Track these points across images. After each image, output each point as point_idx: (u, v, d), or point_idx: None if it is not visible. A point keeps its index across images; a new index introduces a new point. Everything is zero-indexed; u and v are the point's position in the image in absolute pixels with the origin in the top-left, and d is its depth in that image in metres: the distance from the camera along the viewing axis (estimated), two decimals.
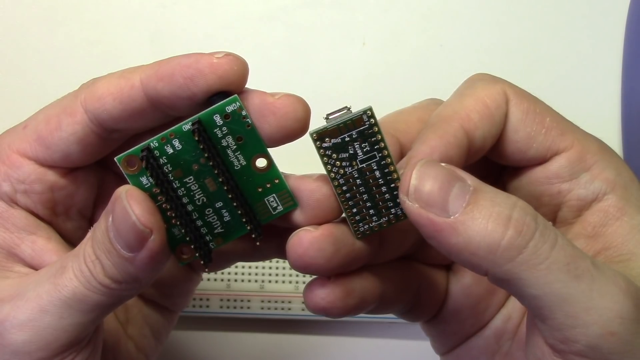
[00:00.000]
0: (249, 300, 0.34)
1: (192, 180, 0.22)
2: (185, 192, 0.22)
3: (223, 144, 0.22)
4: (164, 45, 0.39)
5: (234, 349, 0.36)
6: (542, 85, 0.39)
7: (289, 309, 0.34)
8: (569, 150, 0.23)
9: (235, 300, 0.34)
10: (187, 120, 0.21)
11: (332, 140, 0.21)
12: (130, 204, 0.21)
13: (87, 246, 0.22)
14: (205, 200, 0.22)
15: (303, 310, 0.34)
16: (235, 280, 0.34)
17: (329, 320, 0.34)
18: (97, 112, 0.23)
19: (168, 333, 0.29)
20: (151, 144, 0.22)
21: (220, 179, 0.22)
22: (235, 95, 0.21)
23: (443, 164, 0.21)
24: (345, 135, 0.21)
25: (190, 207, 0.22)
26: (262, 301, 0.34)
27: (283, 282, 0.34)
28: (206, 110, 0.21)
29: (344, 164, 0.22)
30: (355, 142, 0.21)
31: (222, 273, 0.34)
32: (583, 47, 0.39)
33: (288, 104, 0.22)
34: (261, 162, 0.22)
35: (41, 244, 0.24)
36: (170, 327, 0.29)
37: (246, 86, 0.22)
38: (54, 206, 0.25)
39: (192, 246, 0.22)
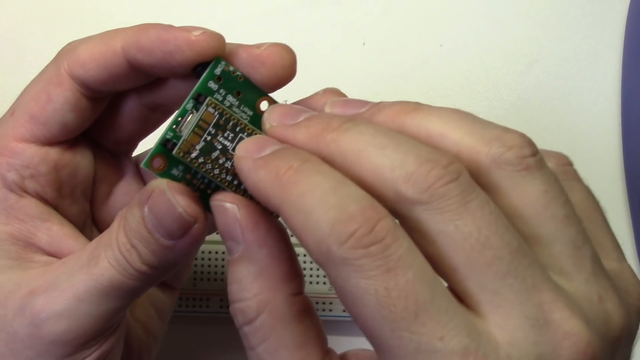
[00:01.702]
0: None
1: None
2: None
3: (227, 105, 0.23)
4: None
5: (234, 349, 0.36)
6: (542, 85, 0.39)
7: None
8: None
9: None
10: (187, 100, 0.22)
11: (198, 147, 0.22)
12: (176, 197, 0.22)
13: (120, 235, 0.23)
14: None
15: None
16: None
17: (329, 320, 0.34)
18: (82, 78, 0.23)
19: (171, 312, 0.30)
20: (166, 136, 0.22)
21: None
22: (217, 56, 0.22)
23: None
24: (205, 135, 0.22)
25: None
26: None
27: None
28: (198, 82, 0.22)
29: (220, 161, 0.22)
30: (217, 136, 0.22)
31: (222, 273, 0.34)
32: (583, 47, 0.39)
33: (275, 53, 0.23)
34: (264, 105, 0.23)
35: (56, 230, 0.25)
36: (173, 306, 0.29)
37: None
38: (60, 187, 0.25)
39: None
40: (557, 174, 0.21)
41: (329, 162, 0.20)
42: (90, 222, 0.27)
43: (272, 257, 0.21)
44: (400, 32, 0.39)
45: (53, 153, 0.24)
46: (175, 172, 0.23)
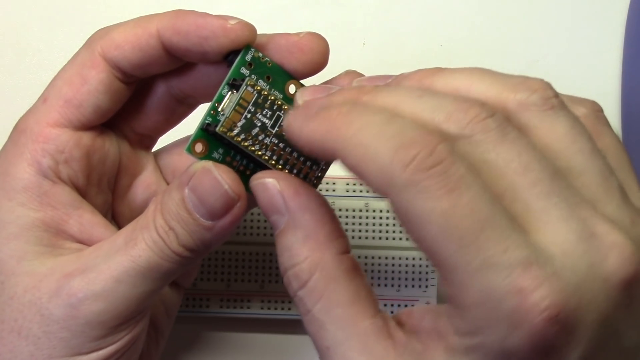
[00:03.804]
0: (249, 300, 0.34)
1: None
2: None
3: (258, 89, 0.24)
4: None
5: (233, 349, 0.36)
6: None
7: (289, 309, 0.34)
8: None
9: (235, 301, 0.34)
10: (223, 85, 0.23)
11: (239, 124, 0.23)
12: (222, 174, 0.23)
13: (158, 217, 0.23)
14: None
15: None
16: (235, 280, 0.34)
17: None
18: (116, 60, 0.24)
19: (177, 310, 0.30)
20: (206, 120, 0.23)
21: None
22: (248, 44, 0.24)
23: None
24: (245, 113, 0.23)
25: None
26: (262, 301, 0.34)
27: (283, 282, 0.34)
28: (232, 68, 0.24)
29: (259, 137, 0.23)
30: (256, 114, 0.23)
31: (222, 273, 0.34)
32: (583, 47, 0.39)
33: (312, 40, 0.24)
34: (292, 89, 0.25)
35: (88, 218, 0.25)
36: (179, 303, 0.30)
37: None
38: (90, 174, 0.25)
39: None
40: (590, 118, 0.22)
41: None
42: (111, 214, 0.27)
43: (316, 220, 0.22)
44: (400, 32, 0.39)
45: (86, 138, 0.25)
46: (215, 155, 0.24)
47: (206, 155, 0.24)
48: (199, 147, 0.23)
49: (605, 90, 0.39)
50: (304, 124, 0.21)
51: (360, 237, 0.34)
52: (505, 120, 0.20)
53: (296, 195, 0.22)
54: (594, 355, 0.19)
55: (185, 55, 0.24)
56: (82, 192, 0.25)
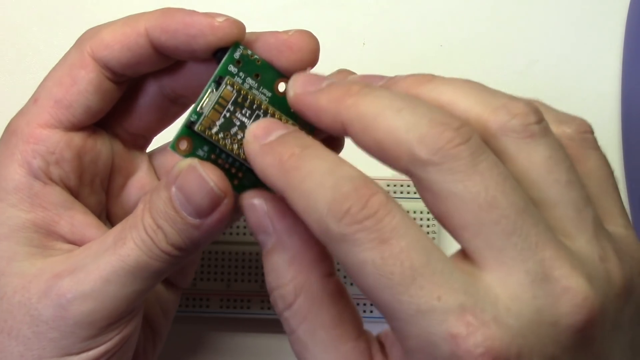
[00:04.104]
0: (249, 300, 0.34)
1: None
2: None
3: (246, 87, 0.24)
4: None
5: (233, 349, 0.36)
6: (542, 85, 0.39)
7: None
8: None
9: (235, 300, 0.34)
10: (209, 83, 0.23)
11: (218, 123, 0.23)
12: (207, 172, 0.23)
13: (146, 216, 0.23)
14: None
15: None
16: (235, 280, 0.34)
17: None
18: (106, 59, 0.24)
19: (175, 311, 0.30)
20: (191, 118, 0.23)
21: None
22: (236, 41, 0.24)
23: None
24: (224, 112, 0.23)
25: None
26: (262, 301, 0.34)
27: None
28: (219, 66, 0.23)
29: (238, 137, 0.23)
30: (235, 113, 0.23)
31: (222, 273, 0.34)
32: (583, 47, 0.39)
33: (301, 39, 0.24)
34: (282, 87, 0.24)
35: (79, 218, 0.25)
36: (177, 305, 0.30)
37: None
38: (81, 175, 0.25)
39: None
40: (576, 140, 0.22)
41: (348, 125, 0.21)
42: (105, 215, 0.27)
43: (302, 241, 0.22)
44: (400, 32, 0.39)
45: (77, 138, 0.25)
46: (200, 152, 0.24)
47: (191, 153, 0.23)
48: (183, 145, 0.23)
49: (605, 90, 0.39)
50: (258, 155, 0.21)
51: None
52: (480, 147, 0.19)
53: (283, 217, 0.22)
54: None
55: (174, 53, 0.24)
56: (74, 192, 0.25)
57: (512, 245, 0.19)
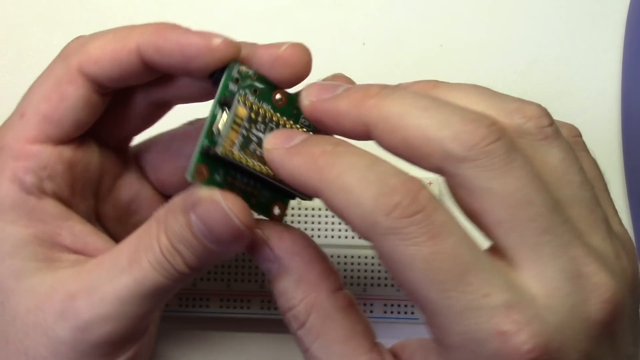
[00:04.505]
0: (249, 301, 0.34)
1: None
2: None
3: (249, 104, 0.23)
4: None
5: (233, 349, 0.36)
6: (542, 85, 0.39)
7: None
8: None
9: (235, 301, 0.34)
10: (213, 106, 0.23)
11: (237, 142, 0.23)
12: (230, 206, 0.22)
13: (162, 238, 0.23)
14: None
15: None
16: (235, 280, 0.34)
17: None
18: (95, 75, 0.24)
19: (160, 314, 0.30)
20: (203, 144, 0.22)
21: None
22: (232, 60, 0.23)
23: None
24: (241, 130, 0.23)
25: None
26: (262, 301, 0.34)
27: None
28: (220, 87, 0.23)
29: (257, 152, 0.23)
30: (251, 130, 0.23)
31: (222, 273, 0.34)
32: (583, 47, 0.39)
33: (295, 53, 0.24)
34: (278, 96, 0.24)
35: (79, 228, 0.25)
36: (162, 308, 0.30)
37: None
38: (73, 185, 0.25)
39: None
40: (569, 143, 0.22)
41: (372, 127, 0.21)
42: (95, 217, 0.27)
43: (305, 262, 0.23)
44: (400, 32, 0.39)
45: (67, 151, 0.25)
46: (217, 177, 0.23)
47: (209, 179, 0.23)
48: (201, 173, 0.23)
49: (605, 90, 0.39)
50: (285, 158, 0.21)
51: (360, 237, 0.34)
52: (512, 145, 0.20)
53: (281, 241, 0.23)
54: None
55: (167, 71, 0.24)
56: (68, 202, 0.25)
57: (546, 243, 0.19)
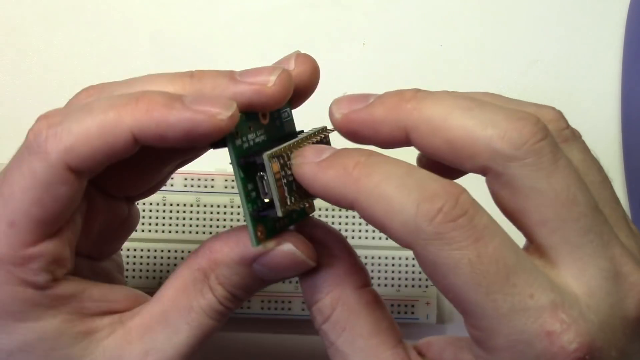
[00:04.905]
0: (249, 301, 0.34)
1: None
2: (299, 194, 0.23)
3: (253, 143, 0.23)
4: (164, 45, 0.39)
5: (233, 349, 0.36)
6: (542, 85, 0.39)
7: (289, 309, 0.34)
8: None
9: None
10: (236, 172, 0.22)
11: (287, 193, 0.22)
12: (304, 251, 0.23)
13: (218, 289, 0.23)
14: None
15: (303, 310, 0.34)
16: None
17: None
18: (86, 168, 0.22)
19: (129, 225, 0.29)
20: (251, 210, 0.22)
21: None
22: (227, 140, 0.22)
23: None
24: (283, 183, 0.22)
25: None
26: (262, 301, 0.34)
27: (283, 282, 0.34)
28: (232, 154, 0.22)
29: (301, 190, 0.23)
30: (287, 175, 0.22)
31: None
32: (583, 47, 0.39)
33: (282, 87, 0.22)
34: (264, 117, 0.23)
35: (96, 291, 0.24)
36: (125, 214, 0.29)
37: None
38: (72, 246, 0.24)
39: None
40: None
41: (412, 131, 0.21)
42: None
43: (334, 257, 0.23)
44: (400, 32, 0.39)
45: (69, 234, 0.23)
46: (270, 226, 0.23)
47: (268, 234, 0.23)
48: (261, 234, 0.23)
49: (605, 90, 0.39)
50: (318, 173, 0.21)
51: (360, 237, 0.34)
52: (557, 144, 0.20)
53: (307, 247, 0.23)
54: None
55: (163, 147, 0.22)
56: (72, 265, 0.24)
57: (588, 243, 0.19)
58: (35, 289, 0.22)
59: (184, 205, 0.34)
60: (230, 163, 0.22)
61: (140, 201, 0.33)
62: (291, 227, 0.24)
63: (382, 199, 0.19)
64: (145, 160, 0.24)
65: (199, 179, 0.34)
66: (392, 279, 0.34)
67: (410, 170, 0.20)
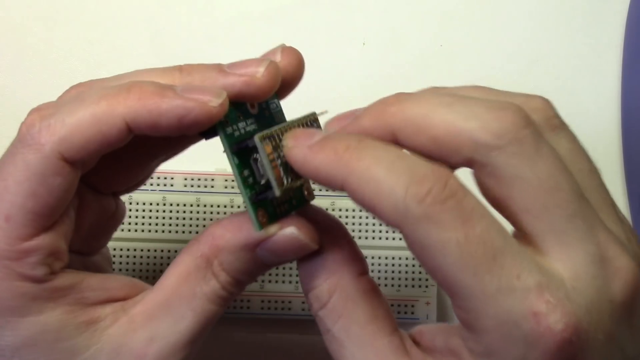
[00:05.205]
0: (248, 300, 0.34)
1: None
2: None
3: (244, 130, 0.23)
4: (164, 45, 0.39)
5: (233, 349, 0.36)
6: (542, 85, 0.39)
7: (289, 309, 0.34)
8: None
9: (235, 300, 0.34)
10: (231, 159, 0.22)
11: (282, 173, 0.22)
12: (306, 234, 0.23)
13: (221, 275, 0.23)
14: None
15: (303, 310, 0.34)
16: None
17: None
18: (80, 159, 0.22)
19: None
20: (249, 195, 0.22)
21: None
22: (217, 128, 0.22)
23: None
24: (277, 161, 0.22)
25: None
26: (262, 301, 0.34)
27: (283, 282, 0.34)
28: (224, 141, 0.22)
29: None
30: (280, 153, 0.22)
31: None
32: (583, 47, 0.39)
33: (270, 77, 0.23)
34: (252, 108, 0.24)
35: (94, 281, 0.24)
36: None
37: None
38: (67, 240, 0.24)
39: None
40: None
41: (398, 132, 0.21)
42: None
43: (333, 244, 0.23)
44: (400, 32, 0.39)
45: (62, 226, 0.23)
46: (271, 211, 0.23)
47: (269, 219, 0.23)
48: (262, 219, 0.23)
49: (605, 90, 0.39)
50: (308, 155, 0.21)
51: (360, 237, 0.34)
52: (539, 132, 0.20)
53: (308, 231, 0.23)
54: None
55: (155, 135, 0.22)
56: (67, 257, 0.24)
57: (573, 228, 0.20)
58: (34, 283, 0.22)
59: (184, 205, 0.34)
60: (224, 151, 0.22)
61: (140, 201, 0.33)
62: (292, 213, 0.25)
63: (372, 181, 0.20)
64: (131, 155, 0.25)
65: (199, 179, 0.34)
66: (392, 279, 0.34)
67: (399, 155, 0.20)
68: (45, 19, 0.39)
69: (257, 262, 0.23)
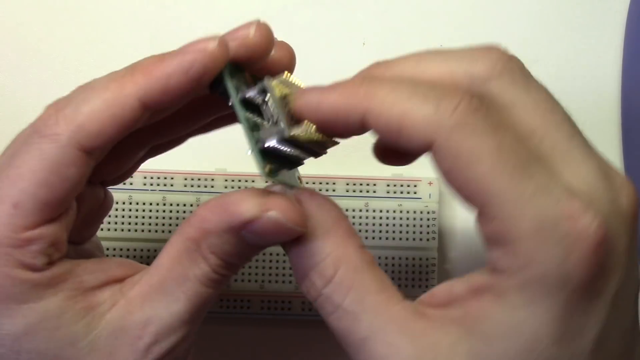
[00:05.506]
0: (248, 301, 0.34)
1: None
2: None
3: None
4: (164, 45, 0.39)
5: (234, 349, 0.36)
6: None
7: (289, 309, 0.34)
8: None
9: (235, 300, 0.34)
10: (238, 110, 0.22)
11: (291, 118, 0.22)
12: (290, 218, 0.22)
13: (211, 258, 0.23)
14: None
15: (303, 310, 0.34)
16: (235, 280, 0.34)
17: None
18: (97, 147, 0.22)
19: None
20: (258, 142, 0.22)
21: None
22: (223, 74, 0.22)
23: None
24: (286, 109, 0.22)
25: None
26: (262, 301, 0.34)
27: (283, 282, 0.34)
28: (231, 92, 0.22)
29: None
30: (289, 105, 0.22)
31: None
32: (583, 47, 0.39)
33: (262, 38, 0.24)
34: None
35: (91, 265, 0.24)
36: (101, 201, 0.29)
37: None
38: (68, 230, 0.24)
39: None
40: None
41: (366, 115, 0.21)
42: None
43: (331, 223, 0.23)
44: (400, 32, 0.39)
45: (65, 217, 0.23)
46: (275, 166, 0.23)
47: (273, 170, 0.22)
48: (268, 168, 0.22)
49: (605, 90, 0.39)
50: (322, 98, 0.21)
51: (360, 237, 0.34)
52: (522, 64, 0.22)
53: (311, 199, 0.23)
54: (625, 283, 0.20)
55: (171, 105, 0.23)
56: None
57: (575, 146, 0.21)
58: (34, 272, 0.22)
59: (184, 205, 0.34)
60: (231, 105, 0.22)
61: (140, 201, 0.33)
62: (297, 175, 0.25)
63: (397, 103, 0.20)
64: (119, 143, 0.24)
65: (199, 179, 0.34)
66: (392, 278, 0.34)
67: (417, 82, 0.21)
68: (45, 19, 0.39)
69: (245, 245, 0.23)
